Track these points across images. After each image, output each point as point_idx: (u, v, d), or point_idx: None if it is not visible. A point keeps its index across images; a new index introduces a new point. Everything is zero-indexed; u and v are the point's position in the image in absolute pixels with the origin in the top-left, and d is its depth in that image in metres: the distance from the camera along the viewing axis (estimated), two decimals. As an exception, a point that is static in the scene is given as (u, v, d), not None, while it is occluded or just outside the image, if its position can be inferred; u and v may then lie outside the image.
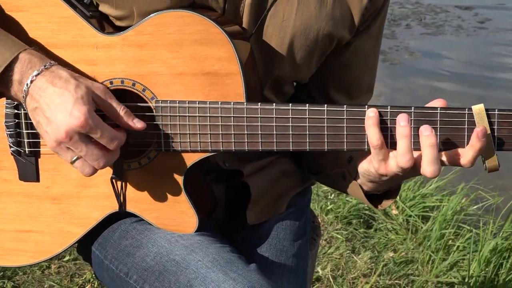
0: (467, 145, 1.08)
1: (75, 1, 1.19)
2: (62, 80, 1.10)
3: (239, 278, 1.11)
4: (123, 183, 1.24)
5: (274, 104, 1.14)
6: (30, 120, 1.20)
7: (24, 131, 1.23)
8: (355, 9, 1.27)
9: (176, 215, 1.24)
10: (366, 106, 1.11)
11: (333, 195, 3.32)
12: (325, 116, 1.12)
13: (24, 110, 1.20)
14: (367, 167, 1.17)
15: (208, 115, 1.16)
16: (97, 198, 1.26)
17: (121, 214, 1.28)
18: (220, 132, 1.16)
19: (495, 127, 1.08)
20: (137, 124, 1.14)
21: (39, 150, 1.25)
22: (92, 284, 2.51)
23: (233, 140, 1.16)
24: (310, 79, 1.36)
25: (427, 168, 1.07)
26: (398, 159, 1.08)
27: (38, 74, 1.10)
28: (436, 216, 3.04)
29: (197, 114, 1.16)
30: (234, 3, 1.21)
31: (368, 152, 1.14)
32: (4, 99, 1.22)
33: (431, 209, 3.19)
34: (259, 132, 1.15)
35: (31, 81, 1.10)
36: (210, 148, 1.18)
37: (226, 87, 1.15)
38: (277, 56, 1.26)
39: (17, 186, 1.28)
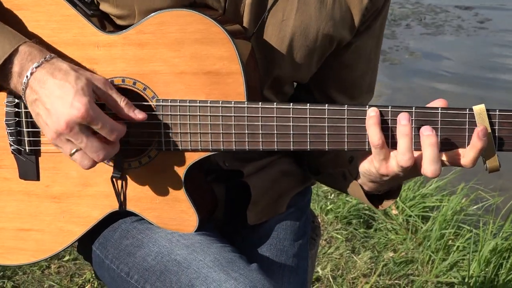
0: (468, 145, 1.08)
1: (76, 0, 1.19)
2: (62, 72, 1.10)
3: (240, 278, 1.11)
4: (124, 182, 1.24)
5: (275, 103, 1.14)
6: (31, 119, 1.20)
7: (25, 130, 1.23)
8: (355, 9, 1.27)
9: (176, 214, 1.24)
10: (367, 105, 1.11)
11: (333, 195, 3.32)
12: (326, 116, 1.12)
13: (25, 106, 1.20)
14: (368, 167, 1.17)
15: (209, 114, 1.16)
16: (97, 197, 1.26)
17: (122, 213, 1.28)
18: (221, 132, 1.16)
19: (496, 127, 1.08)
20: (138, 115, 1.14)
21: (40, 149, 1.25)
22: (92, 284, 2.51)
23: (234, 140, 1.16)
24: (310, 79, 1.36)
25: (428, 167, 1.07)
26: (399, 158, 1.08)
27: (38, 66, 1.10)
28: (436, 216, 3.04)
29: (198, 113, 1.16)
30: (234, 2, 1.21)
31: (369, 152, 1.13)
32: (4, 98, 1.22)
33: (431, 209, 3.19)
34: (260, 132, 1.15)
35: (31, 73, 1.10)
36: (210, 148, 1.18)
37: (227, 86, 1.15)
38: (277, 56, 1.26)
39: (17, 184, 1.28)
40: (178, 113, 1.17)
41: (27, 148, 1.24)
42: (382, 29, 1.38)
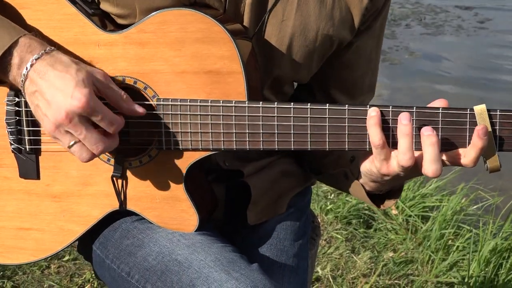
0: (468, 145, 1.08)
1: (77, -1, 1.19)
2: (63, 64, 1.09)
3: (241, 278, 1.11)
4: (124, 181, 1.24)
5: (276, 103, 1.13)
6: (31, 117, 1.20)
7: (25, 129, 1.23)
8: (355, 9, 1.27)
9: (176, 214, 1.24)
10: (368, 105, 1.11)
11: (332, 195, 3.32)
12: (327, 116, 1.12)
13: (25, 104, 1.20)
14: (369, 166, 1.17)
15: (210, 113, 1.16)
16: (98, 196, 1.26)
17: (122, 213, 1.28)
18: (222, 131, 1.16)
19: (497, 127, 1.08)
20: (138, 109, 1.14)
21: (40, 148, 1.25)
22: (92, 284, 2.51)
23: (234, 139, 1.16)
24: (312, 78, 1.35)
25: (429, 167, 1.07)
26: (399, 158, 1.08)
27: (38, 58, 1.10)
28: (436, 216, 3.04)
29: (199, 113, 1.16)
30: (234, 2, 1.21)
31: (370, 152, 1.13)
32: (5, 97, 1.22)
33: (431, 209, 3.19)
34: (261, 131, 1.15)
35: (31, 65, 1.10)
36: (211, 147, 1.18)
37: (228, 85, 1.15)
38: (277, 56, 1.26)
39: (18, 183, 1.28)
40: (179, 112, 1.17)
41: (27, 147, 1.24)
42: (383, 29, 1.38)
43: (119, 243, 1.28)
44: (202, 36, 1.13)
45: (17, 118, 1.22)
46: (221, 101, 1.15)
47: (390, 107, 1.10)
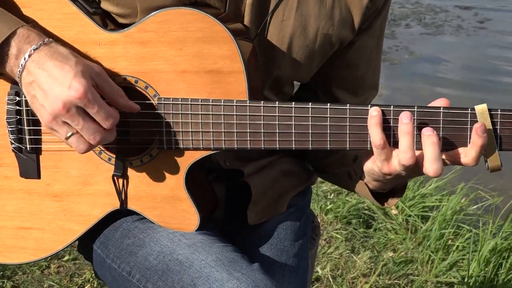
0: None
1: (77, -2, 1.19)
2: (61, 56, 1.09)
3: (243, 278, 1.11)
4: (125, 181, 1.24)
5: (277, 102, 1.13)
6: (32, 116, 1.20)
7: (26, 128, 1.23)
8: (356, 9, 1.27)
9: (177, 213, 1.24)
10: (369, 105, 1.11)
11: (332, 195, 3.32)
12: (328, 115, 1.12)
13: (26, 104, 1.20)
14: (371, 166, 1.17)
15: (211, 113, 1.15)
16: (98, 195, 1.26)
17: (122, 212, 1.27)
18: (223, 130, 1.16)
19: (498, 127, 1.08)
20: (133, 105, 1.14)
21: (40, 147, 1.25)
22: (92, 284, 2.51)
23: (235, 138, 1.16)
24: (313, 78, 1.35)
25: (430, 166, 1.07)
26: (400, 157, 1.08)
27: (37, 48, 1.09)
28: (436, 216, 3.04)
29: (200, 112, 1.16)
30: (235, 2, 1.21)
31: (371, 151, 1.13)
32: (5, 97, 1.22)
33: (430, 209, 3.19)
34: (262, 130, 1.15)
35: (29, 55, 1.09)
36: (212, 146, 1.17)
37: (229, 85, 1.15)
38: (277, 56, 1.26)
39: (18, 183, 1.28)
40: (180, 112, 1.17)
41: (28, 146, 1.24)
42: (383, 29, 1.38)
43: (120, 242, 1.28)
44: (203, 36, 1.13)
45: (18, 117, 1.22)
46: (222, 100, 1.15)
47: (392, 106, 1.10)
